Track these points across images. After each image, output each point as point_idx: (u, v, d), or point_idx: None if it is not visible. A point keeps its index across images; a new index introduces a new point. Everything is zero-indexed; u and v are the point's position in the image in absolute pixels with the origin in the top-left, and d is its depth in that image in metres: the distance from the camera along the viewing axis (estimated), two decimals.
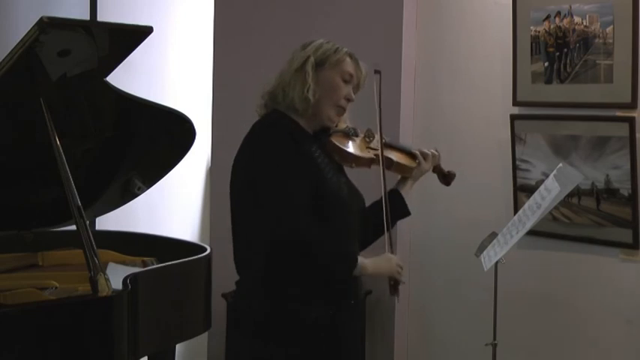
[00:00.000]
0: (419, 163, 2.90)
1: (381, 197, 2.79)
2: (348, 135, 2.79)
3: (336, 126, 2.76)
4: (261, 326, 2.60)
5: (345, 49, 2.70)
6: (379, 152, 2.81)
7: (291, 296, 2.57)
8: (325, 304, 2.61)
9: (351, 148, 2.77)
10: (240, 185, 2.63)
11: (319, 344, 2.61)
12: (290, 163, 2.55)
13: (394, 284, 2.76)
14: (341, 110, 2.70)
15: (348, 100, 2.69)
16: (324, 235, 2.56)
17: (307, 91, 2.61)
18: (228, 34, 4.60)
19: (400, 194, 2.89)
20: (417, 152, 2.92)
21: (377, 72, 2.78)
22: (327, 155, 2.70)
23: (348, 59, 2.68)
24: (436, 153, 2.96)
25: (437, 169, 3.01)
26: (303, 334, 2.59)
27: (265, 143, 2.59)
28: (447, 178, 3.03)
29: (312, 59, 2.65)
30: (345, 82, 2.68)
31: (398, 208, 2.87)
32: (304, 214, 2.52)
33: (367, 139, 2.84)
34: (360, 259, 2.64)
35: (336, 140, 2.74)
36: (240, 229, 2.66)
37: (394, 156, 2.88)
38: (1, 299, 2.80)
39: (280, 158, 2.56)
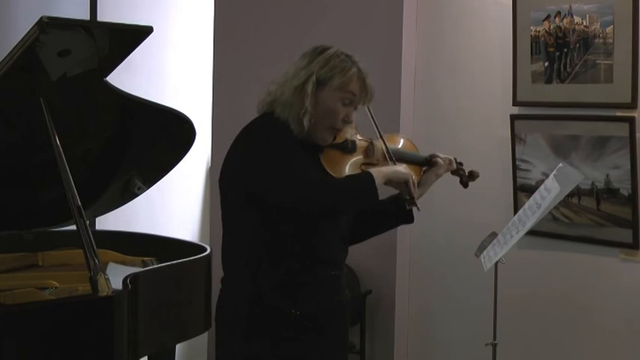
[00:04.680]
0: (427, 170, 2.75)
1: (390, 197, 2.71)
2: (344, 150, 2.62)
3: (335, 139, 2.61)
4: (248, 323, 2.58)
5: (354, 70, 2.54)
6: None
7: (278, 292, 2.55)
8: (311, 301, 2.59)
9: (335, 171, 2.56)
10: (231, 179, 2.58)
11: (304, 340, 2.58)
12: (283, 146, 2.50)
13: (410, 191, 2.56)
14: (336, 131, 2.60)
15: (346, 121, 2.57)
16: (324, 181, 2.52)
17: (303, 115, 2.51)
18: (228, 34, 4.60)
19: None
20: (430, 157, 2.76)
21: None
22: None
23: (354, 80, 2.53)
24: (452, 159, 2.80)
25: (456, 174, 2.84)
26: (289, 330, 2.56)
27: (257, 138, 2.54)
28: (467, 180, 2.84)
29: (314, 78, 2.52)
30: (345, 104, 2.55)
31: (397, 211, 2.77)
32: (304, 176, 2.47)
33: (368, 153, 2.65)
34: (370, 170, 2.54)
35: (323, 160, 2.58)
36: (232, 225, 2.62)
37: None
38: (1, 299, 2.81)
39: (272, 144, 2.50)
